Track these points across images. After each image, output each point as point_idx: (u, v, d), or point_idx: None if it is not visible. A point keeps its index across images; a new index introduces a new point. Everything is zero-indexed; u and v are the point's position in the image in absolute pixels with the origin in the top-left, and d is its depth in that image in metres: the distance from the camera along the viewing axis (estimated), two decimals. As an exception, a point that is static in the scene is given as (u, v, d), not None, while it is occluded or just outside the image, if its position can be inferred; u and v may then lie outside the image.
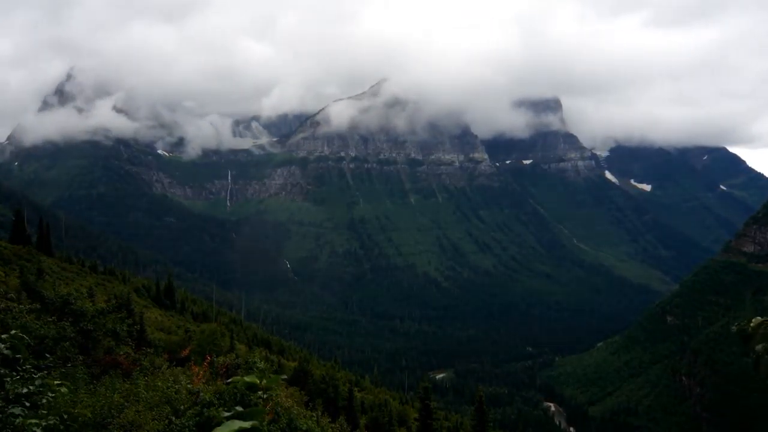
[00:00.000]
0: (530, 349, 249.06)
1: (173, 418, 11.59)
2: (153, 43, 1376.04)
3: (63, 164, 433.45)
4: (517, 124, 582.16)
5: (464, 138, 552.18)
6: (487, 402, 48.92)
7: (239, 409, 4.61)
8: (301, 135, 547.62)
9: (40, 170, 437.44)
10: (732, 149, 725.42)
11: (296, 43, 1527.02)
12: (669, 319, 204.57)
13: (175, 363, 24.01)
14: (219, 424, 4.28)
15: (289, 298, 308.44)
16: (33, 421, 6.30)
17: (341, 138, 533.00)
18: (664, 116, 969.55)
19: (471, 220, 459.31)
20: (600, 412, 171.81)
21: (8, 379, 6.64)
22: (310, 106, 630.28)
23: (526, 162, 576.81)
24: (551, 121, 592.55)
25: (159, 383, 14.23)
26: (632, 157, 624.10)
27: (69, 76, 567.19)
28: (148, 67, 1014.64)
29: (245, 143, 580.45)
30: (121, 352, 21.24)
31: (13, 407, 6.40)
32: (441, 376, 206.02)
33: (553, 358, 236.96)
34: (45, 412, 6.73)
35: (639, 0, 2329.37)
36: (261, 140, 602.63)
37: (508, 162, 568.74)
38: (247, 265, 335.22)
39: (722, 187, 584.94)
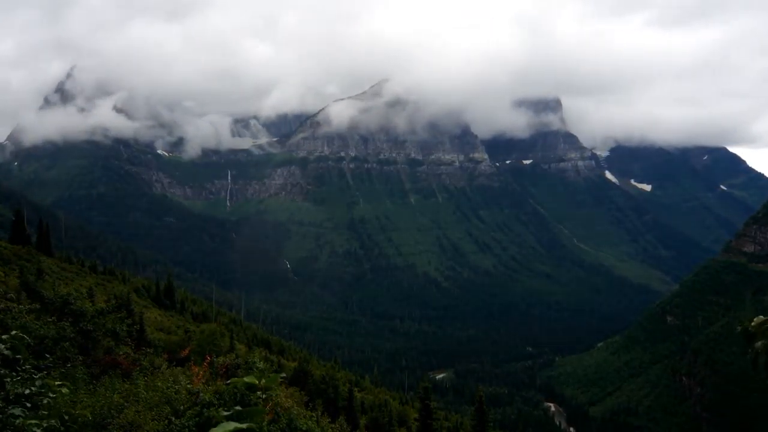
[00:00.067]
0: (530, 349, 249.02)
1: (173, 419, 11.59)
2: (153, 42, 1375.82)
3: (63, 164, 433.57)
4: (517, 124, 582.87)
5: (464, 138, 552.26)
6: (487, 402, 48.91)
7: (239, 409, 4.58)
8: (301, 135, 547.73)
9: (39, 170, 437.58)
10: (732, 149, 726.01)
11: (296, 43, 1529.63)
12: (669, 319, 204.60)
13: (174, 363, 24.01)
14: (218, 424, 4.27)
15: (289, 298, 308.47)
16: (33, 421, 6.29)
17: (341, 138, 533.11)
18: (664, 116, 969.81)
19: (471, 220, 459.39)
20: (600, 412, 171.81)
21: (8, 379, 6.64)
22: (310, 106, 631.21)
23: (526, 162, 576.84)
24: (551, 120, 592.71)
25: (159, 383, 14.23)
26: (632, 157, 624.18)
27: (69, 76, 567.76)
28: (148, 67, 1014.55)
29: (245, 143, 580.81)
30: (121, 353, 21.24)
31: (13, 408, 6.40)
32: (441, 376, 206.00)
33: (553, 358, 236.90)
34: (45, 412, 6.73)
35: (642, 0, 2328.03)
36: (261, 140, 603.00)
37: (508, 162, 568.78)
38: (247, 265, 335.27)
39: (722, 187, 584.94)
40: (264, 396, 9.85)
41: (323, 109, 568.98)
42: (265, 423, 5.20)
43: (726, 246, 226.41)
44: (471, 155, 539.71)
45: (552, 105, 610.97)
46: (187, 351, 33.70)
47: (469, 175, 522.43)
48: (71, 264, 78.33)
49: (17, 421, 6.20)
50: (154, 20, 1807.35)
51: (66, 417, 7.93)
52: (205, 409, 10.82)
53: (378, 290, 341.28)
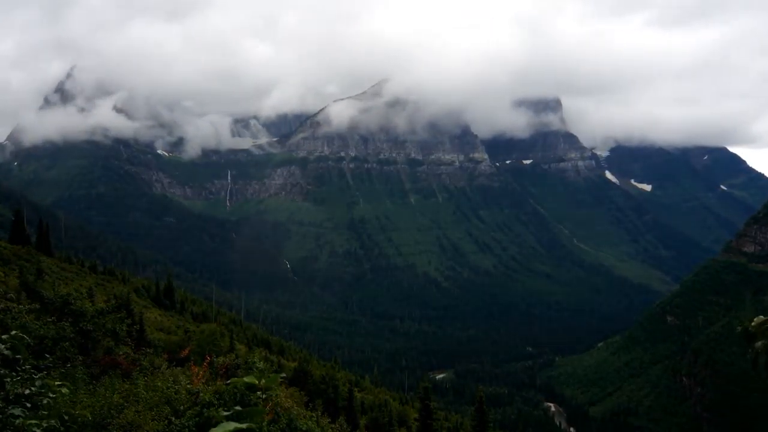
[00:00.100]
0: (530, 349, 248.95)
1: (173, 419, 11.59)
2: (153, 42, 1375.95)
3: (62, 164, 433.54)
4: (517, 123, 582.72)
5: (464, 138, 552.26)
6: (487, 402, 48.93)
7: (238, 409, 4.58)
8: (301, 135, 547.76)
9: (39, 170, 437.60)
10: (732, 149, 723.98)
11: (296, 43, 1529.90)
12: (669, 319, 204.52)
13: (174, 363, 23.99)
14: (218, 424, 4.25)
15: (289, 298, 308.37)
16: (33, 421, 6.29)
17: (341, 138, 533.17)
18: (664, 116, 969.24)
19: (471, 220, 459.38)
20: (600, 412, 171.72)
21: (8, 379, 6.63)
22: (310, 106, 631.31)
23: (526, 162, 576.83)
24: (551, 120, 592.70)
25: (159, 383, 14.23)
26: (632, 157, 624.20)
27: (69, 76, 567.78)
28: (148, 67, 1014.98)
29: (245, 143, 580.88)
30: (121, 353, 21.25)
31: (13, 408, 6.39)
32: (441, 376, 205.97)
33: (553, 358, 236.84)
34: (45, 412, 6.73)
35: (643, 0, 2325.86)
36: (261, 140, 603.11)
37: (508, 162, 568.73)
38: (247, 265, 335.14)
39: (723, 187, 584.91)
40: (264, 396, 9.84)
41: (323, 109, 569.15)
42: (265, 423, 5.20)
43: (726, 246, 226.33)
44: (471, 155, 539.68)
45: (552, 105, 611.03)
46: (187, 351, 33.68)
47: (469, 175, 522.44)
48: (71, 264, 78.32)
49: (17, 421, 6.20)
50: (154, 20, 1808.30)
51: (66, 417, 7.92)
52: (205, 409, 10.82)
53: (378, 290, 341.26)
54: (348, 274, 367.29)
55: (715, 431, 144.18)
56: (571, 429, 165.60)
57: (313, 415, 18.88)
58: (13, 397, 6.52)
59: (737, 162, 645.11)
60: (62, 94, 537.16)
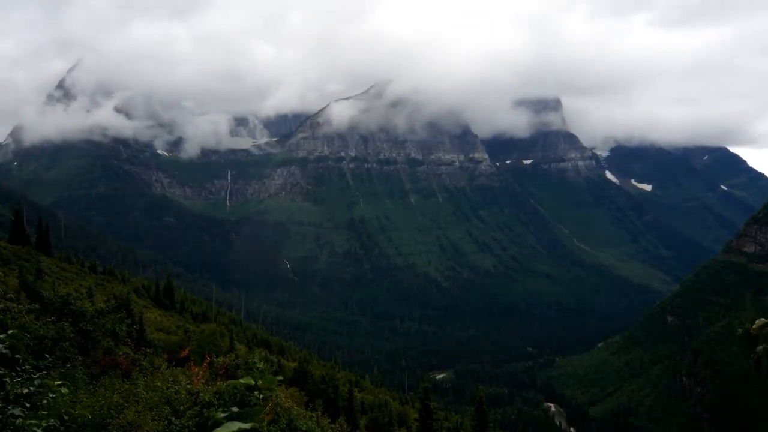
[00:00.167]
0: (530, 349, 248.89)
1: (173, 419, 11.58)
2: (153, 42, 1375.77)
3: (62, 164, 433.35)
4: (517, 123, 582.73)
5: (464, 138, 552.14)
6: (487, 402, 48.91)
7: (236, 409, 4.60)
8: (301, 135, 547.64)
9: (39, 170, 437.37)
10: (733, 149, 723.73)
11: (297, 43, 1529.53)
12: (669, 319, 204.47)
13: (174, 363, 23.99)
14: (217, 424, 4.26)
15: (289, 298, 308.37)
16: (33, 421, 6.28)
17: (341, 138, 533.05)
18: (664, 116, 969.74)
19: (471, 220, 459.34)
20: (600, 412, 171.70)
21: (8, 379, 6.63)
22: (311, 106, 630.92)
23: (527, 162, 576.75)
24: (552, 120, 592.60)
25: (158, 383, 14.23)
26: (633, 157, 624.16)
27: (69, 75, 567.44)
28: (148, 66, 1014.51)
29: (245, 143, 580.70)
30: (121, 353, 21.23)
31: (13, 408, 6.38)
32: (441, 376, 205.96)
33: (553, 358, 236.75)
34: (45, 412, 6.72)
35: (644, 1, 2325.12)
36: (260, 140, 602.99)
37: (508, 162, 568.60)
38: (246, 265, 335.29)
39: (723, 187, 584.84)
40: (263, 396, 9.84)
41: (323, 109, 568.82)
42: (264, 423, 5.19)
43: (726, 246, 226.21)
44: (471, 155, 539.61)
45: (552, 105, 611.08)
46: (186, 351, 33.68)
47: (469, 175, 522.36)
48: (71, 264, 78.30)
49: (17, 421, 6.19)
50: (154, 20, 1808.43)
51: (66, 417, 7.91)
52: (204, 410, 10.80)
53: (378, 290, 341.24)
54: (348, 274, 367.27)
55: (715, 431, 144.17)
56: (571, 429, 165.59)
57: (313, 415, 18.88)
58: (13, 397, 6.51)
59: (737, 162, 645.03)
60: (62, 93, 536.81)
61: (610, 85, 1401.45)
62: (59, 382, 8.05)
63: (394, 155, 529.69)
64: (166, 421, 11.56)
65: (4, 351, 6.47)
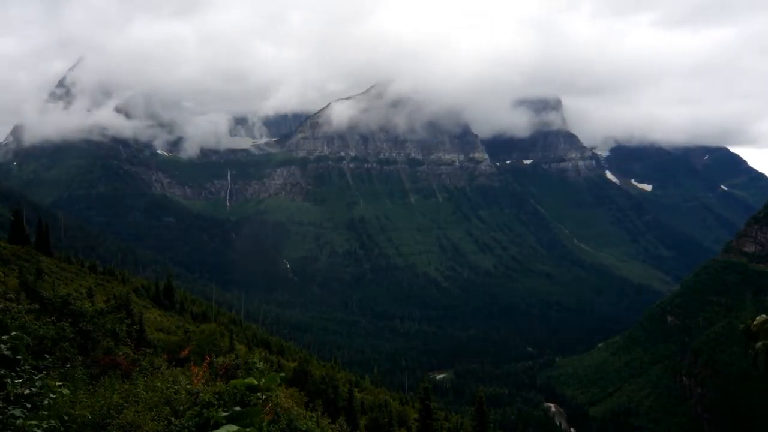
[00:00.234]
0: (530, 349, 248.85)
1: (173, 419, 11.59)
2: (154, 42, 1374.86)
3: (62, 164, 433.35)
4: (517, 123, 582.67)
5: (464, 138, 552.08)
6: (487, 402, 48.93)
7: (237, 409, 4.56)
8: (301, 135, 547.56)
9: (39, 170, 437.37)
10: (733, 149, 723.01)
11: (297, 43, 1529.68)
12: (670, 319, 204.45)
13: (174, 363, 23.99)
14: (218, 424, 4.22)
15: (289, 298, 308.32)
16: (33, 422, 6.29)
17: (341, 138, 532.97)
18: (665, 116, 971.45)
19: (471, 220, 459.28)
20: (600, 412, 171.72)
21: (8, 379, 6.63)
22: (311, 106, 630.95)
23: (527, 162, 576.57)
24: (552, 120, 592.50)
25: (158, 384, 14.23)
26: (633, 157, 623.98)
27: (69, 75, 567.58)
28: (148, 66, 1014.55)
29: (244, 143, 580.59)
30: (121, 353, 21.24)
31: (13, 408, 6.39)
32: (441, 376, 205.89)
33: (553, 358, 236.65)
34: (45, 413, 6.72)
35: (645, 1, 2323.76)
36: (260, 140, 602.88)
37: (508, 162, 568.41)
38: (246, 265, 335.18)
39: (723, 187, 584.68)
40: (263, 397, 9.84)
41: (323, 108, 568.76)
42: (264, 423, 5.20)
43: (727, 246, 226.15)
44: (471, 155, 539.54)
45: (552, 104, 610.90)
46: (186, 351, 33.68)
47: (470, 175, 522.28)
48: (71, 264, 78.28)
49: (17, 421, 6.20)
50: (155, 20, 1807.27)
51: (66, 417, 7.92)
52: (204, 410, 10.82)
53: (378, 290, 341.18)
54: (348, 274, 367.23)
55: (715, 431, 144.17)
56: (572, 429, 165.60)
57: (313, 415, 18.87)
58: (14, 398, 6.52)
59: (738, 162, 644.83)
60: (62, 93, 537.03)
61: (610, 85, 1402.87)
62: (59, 383, 8.06)
63: (394, 155, 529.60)
64: (166, 422, 11.58)
65: (5, 352, 6.48)
